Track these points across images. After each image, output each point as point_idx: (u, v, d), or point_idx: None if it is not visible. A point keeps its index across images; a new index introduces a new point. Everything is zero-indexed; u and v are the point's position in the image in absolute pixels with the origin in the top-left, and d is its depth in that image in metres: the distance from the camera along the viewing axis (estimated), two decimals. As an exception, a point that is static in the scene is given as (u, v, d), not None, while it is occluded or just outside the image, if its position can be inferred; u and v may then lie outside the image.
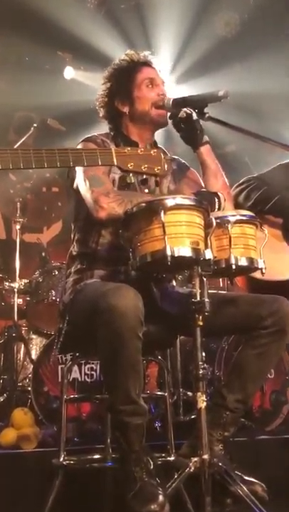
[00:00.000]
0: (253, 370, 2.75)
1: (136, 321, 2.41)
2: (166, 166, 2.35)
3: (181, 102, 2.90)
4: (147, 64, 3.08)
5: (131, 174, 2.38)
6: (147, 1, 6.12)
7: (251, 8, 6.04)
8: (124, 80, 3.02)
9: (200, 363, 2.48)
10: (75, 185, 2.91)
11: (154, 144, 3.08)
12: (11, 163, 2.15)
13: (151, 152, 2.33)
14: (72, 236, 3.01)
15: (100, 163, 2.26)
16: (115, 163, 2.27)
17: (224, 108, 3.07)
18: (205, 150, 2.97)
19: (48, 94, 6.12)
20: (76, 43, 6.25)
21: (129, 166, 2.28)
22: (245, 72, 5.64)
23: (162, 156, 2.34)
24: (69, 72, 6.65)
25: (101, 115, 3.09)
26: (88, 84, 6.35)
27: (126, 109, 3.02)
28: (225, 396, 2.76)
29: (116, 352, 2.41)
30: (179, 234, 2.42)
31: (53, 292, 4.73)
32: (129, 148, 2.30)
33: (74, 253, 2.96)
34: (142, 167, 2.30)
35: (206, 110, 2.76)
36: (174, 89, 3.14)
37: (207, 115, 2.74)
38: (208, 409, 2.48)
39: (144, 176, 2.43)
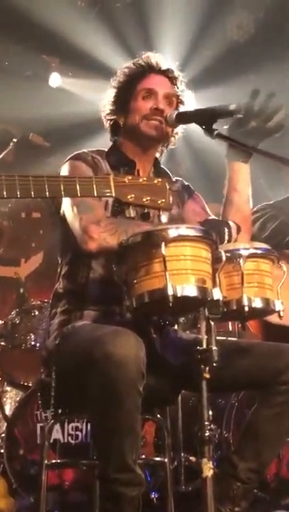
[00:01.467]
0: (269, 434, 2.75)
1: (137, 372, 2.40)
2: (171, 198, 2.37)
3: (186, 117, 2.93)
4: (157, 70, 3.09)
5: (131, 207, 2.38)
6: (145, 0, 6.22)
7: (268, 7, 6.13)
8: (126, 88, 3.07)
9: (206, 423, 2.46)
10: (61, 212, 2.93)
11: (156, 165, 3.12)
12: None
13: (155, 182, 2.35)
14: (58, 271, 3.02)
15: (95, 195, 2.27)
16: (113, 195, 2.29)
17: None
18: (246, 168, 3.00)
19: (31, 105, 6.18)
20: (64, 46, 6.34)
21: (129, 197, 2.30)
22: (260, 81, 5.71)
23: (167, 187, 2.36)
24: (55, 80, 6.73)
25: (105, 126, 3.14)
26: (77, 93, 6.42)
27: (122, 121, 3.08)
28: (236, 464, 2.75)
29: (111, 409, 2.40)
30: (183, 270, 2.43)
31: (32, 336, 4.72)
32: (130, 177, 2.32)
33: (60, 290, 2.97)
34: (144, 199, 2.32)
35: (214, 126, 2.79)
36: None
37: (216, 132, 2.77)
38: (216, 479, 2.46)
39: (146, 210, 2.41)
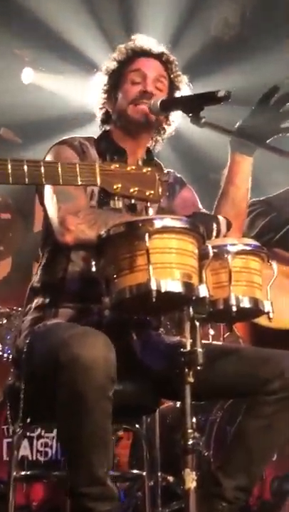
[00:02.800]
0: (256, 448, 2.71)
1: (105, 377, 2.37)
2: (160, 190, 2.32)
3: (171, 104, 2.91)
4: (148, 53, 3.07)
5: (117, 198, 2.35)
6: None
7: (254, 3, 6.18)
8: (115, 73, 3.06)
9: (189, 430, 2.41)
10: (44, 202, 2.90)
11: (148, 155, 3.09)
12: None
13: (144, 171, 2.31)
14: (38, 264, 2.98)
15: (79, 183, 2.22)
16: (98, 184, 2.23)
17: (225, 113, 3.09)
18: (249, 162, 2.98)
19: (1, 100, 6.14)
20: (38, 40, 6.32)
21: (115, 187, 2.25)
22: (244, 76, 5.74)
23: (157, 177, 2.32)
24: (28, 75, 6.70)
25: (99, 117, 3.13)
26: (51, 89, 6.40)
27: (111, 109, 3.07)
28: (220, 482, 2.70)
29: (79, 417, 2.36)
30: (167, 263, 2.39)
31: (0, 346, 4.66)
32: (117, 165, 2.27)
33: (36, 284, 2.93)
34: (131, 190, 2.27)
35: (202, 114, 2.77)
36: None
37: (203, 120, 2.75)
38: (199, 499, 2.41)
39: (133, 201, 2.37)
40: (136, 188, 2.28)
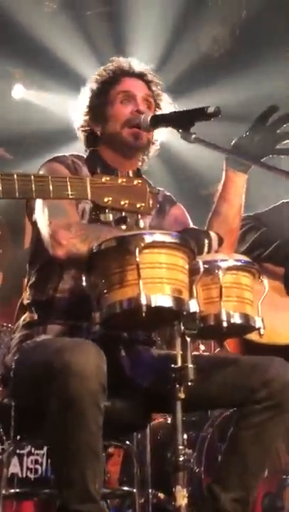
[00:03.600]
0: (250, 458, 2.69)
1: (97, 384, 2.36)
2: (151, 202, 2.32)
3: (161, 120, 2.91)
4: (131, 73, 3.09)
5: (108, 211, 2.31)
6: (119, 9, 6.26)
7: (243, 20, 6.23)
8: (99, 94, 3.05)
9: (180, 447, 2.41)
10: (33, 217, 2.90)
11: (137, 173, 3.08)
12: None
13: (135, 183, 2.31)
14: (26, 281, 2.97)
15: (69, 196, 2.21)
16: (89, 197, 2.23)
17: (214, 131, 3.10)
18: (243, 178, 2.98)
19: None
20: (28, 55, 6.33)
21: (106, 200, 2.24)
22: (234, 93, 5.78)
23: (147, 190, 2.32)
24: (18, 91, 6.72)
25: (78, 136, 3.11)
26: (41, 105, 6.41)
27: (99, 131, 3.04)
28: (218, 495, 2.67)
29: (71, 426, 2.35)
30: (157, 278, 2.39)
31: (-12, 362, 4.63)
32: (108, 178, 2.26)
33: (26, 301, 2.92)
34: (122, 202, 2.26)
35: (192, 130, 2.77)
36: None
37: (194, 136, 2.75)
38: None
39: (123, 213, 2.35)
40: (127, 201, 2.28)
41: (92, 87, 3.08)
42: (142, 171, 3.13)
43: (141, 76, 3.10)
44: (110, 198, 2.25)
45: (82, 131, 3.09)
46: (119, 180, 2.28)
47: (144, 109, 3.00)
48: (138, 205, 2.29)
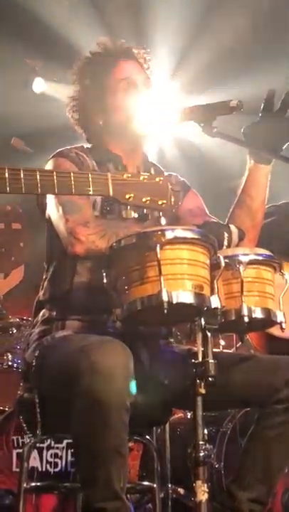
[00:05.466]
0: (269, 459, 2.69)
1: (125, 384, 2.36)
2: (172, 199, 2.31)
3: (183, 115, 2.89)
4: (126, 55, 3.02)
5: (129, 207, 2.30)
6: (140, 1, 6.24)
7: (265, 13, 6.19)
8: (96, 82, 2.99)
9: (201, 442, 2.41)
10: (46, 214, 2.89)
11: (145, 159, 3.08)
12: None
13: (157, 180, 2.30)
14: (43, 277, 2.97)
15: (91, 192, 2.22)
16: (111, 194, 2.23)
17: (235, 125, 3.09)
18: (266, 171, 2.96)
19: (12, 110, 6.15)
20: (48, 49, 6.33)
21: (127, 197, 2.25)
22: (256, 86, 5.74)
23: (169, 187, 2.31)
24: (39, 85, 6.72)
25: (72, 122, 3.07)
26: (62, 99, 6.40)
27: (100, 120, 2.99)
28: (235, 495, 2.68)
29: (97, 426, 2.34)
30: (179, 275, 2.39)
31: (10, 356, 4.69)
32: (129, 175, 2.26)
33: (43, 298, 2.92)
34: (144, 199, 2.27)
35: (214, 124, 2.77)
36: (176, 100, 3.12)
37: (215, 130, 2.75)
38: (211, 510, 2.40)
39: (145, 210, 2.35)
40: (148, 198, 2.28)
41: (85, 74, 3.02)
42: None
43: (134, 56, 3.04)
44: (132, 195, 2.25)
45: (79, 120, 3.04)
46: (141, 177, 2.28)
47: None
48: (160, 202, 2.30)
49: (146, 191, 2.28)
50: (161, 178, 2.32)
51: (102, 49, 3.04)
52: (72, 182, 2.20)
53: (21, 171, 2.15)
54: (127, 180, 2.26)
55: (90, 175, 2.23)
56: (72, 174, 2.22)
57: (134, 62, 3.04)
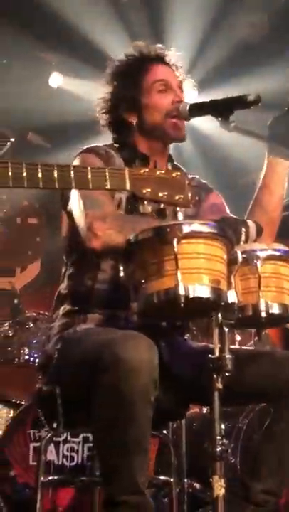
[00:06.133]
0: (284, 451, 2.70)
1: (150, 379, 2.36)
2: (189, 194, 2.31)
3: (200, 108, 2.90)
4: (160, 60, 3.08)
5: (146, 202, 2.31)
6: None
7: (281, 5, 6.17)
8: (130, 82, 3.02)
9: (218, 437, 2.41)
10: (68, 208, 2.91)
11: (170, 161, 3.09)
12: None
13: (173, 175, 2.31)
14: (63, 271, 2.98)
15: (108, 187, 2.23)
16: (128, 188, 2.24)
17: (252, 119, 3.08)
18: (285, 167, 2.96)
19: (29, 104, 6.17)
20: (65, 43, 6.34)
21: (144, 192, 2.25)
22: (272, 81, 5.72)
23: (186, 182, 2.32)
24: (55, 79, 6.73)
25: (102, 123, 3.10)
26: (78, 93, 6.42)
27: (133, 120, 3.02)
28: (249, 485, 2.70)
29: (120, 421, 2.35)
30: (195, 269, 2.39)
31: (26, 350, 4.70)
32: (146, 169, 2.28)
33: (64, 292, 2.93)
34: (161, 194, 2.27)
35: (231, 118, 2.76)
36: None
37: (233, 124, 2.74)
38: (227, 503, 2.39)
39: (162, 205, 2.35)
40: (165, 193, 2.28)
41: (118, 74, 3.05)
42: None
43: (167, 62, 3.08)
44: (149, 190, 2.26)
45: (110, 118, 3.06)
46: (158, 172, 2.29)
47: (182, 98, 2.99)
48: (177, 197, 2.29)
49: (163, 186, 2.28)
50: (178, 174, 2.32)
51: (138, 52, 3.08)
52: (90, 177, 2.20)
53: (39, 166, 2.15)
54: (144, 175, 2.26)
55: (107, 170, 2.24)
56: (89, 169, 2.22)
57: (167, 67, 3.08)
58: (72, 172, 2.18)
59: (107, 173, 2.22)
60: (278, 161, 2.96)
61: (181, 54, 3.16)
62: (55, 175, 2.17)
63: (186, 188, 2.31)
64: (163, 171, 2.31)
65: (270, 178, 2.98)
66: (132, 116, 3.02)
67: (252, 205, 2.98)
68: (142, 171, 2.27)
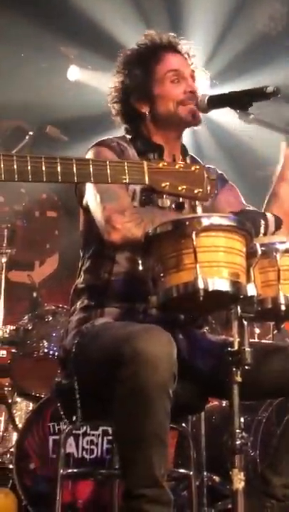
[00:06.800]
0: None
1: (169, 373, 2.36)
2: (208, 188, 2.31)
3: (219, 100, 2.89)
4: (172, 49, 3.04)
5: (165, 196, 2.30)
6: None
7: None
8: (142, 72, 3.00)
9: (237, 430, 2.40)
10: (84, 202, 2.91)
11: (184, 151, 3.07)
12: (16, 174, 2.12)
13: (192, 169, 2.30)
14: (79, 265, 2.98)
15: (127, 181, 2.23)
16: (147, 183, 2.24)
17: (270, 110, 3.06)
18: None
19: (47, 98, 6.19)
20: (83, 36, 6.34)
21: (163, 186, 2.25)
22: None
23: (205, 176, 2.31)
24: (73, 73, 6.74)
25: (114, 113, 3.08)
26: (96, 86, 6.42)
27: (145, 110, 3.00)
28: (269, 479, 2.70)
29: (140, 414, 2.35)
30: (214, 262, 2.38)
31: (45, 343, 4.70)
32: (165, 163, 2.27)
33: (81, 286, 2.94)
34: (180, 188, 2.27)
35: (250, 110, 2.75)
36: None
37: (252, 116, 2.73)
38: (246, 497, 2.39)
39: (181, 199, 2.35)
40: (184, 186, 2.28)
41: (130, 64, 3.02)
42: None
43: (180, 51, 3.06)
44: (168, 183, 2.25)
45: (122, 107, 3.05)
46: (177, 166, 2.28)
47: (195, 87, 2.98)
48: (196, 191, 2.29)
49: (182, 180, 2.28)
50: (197, 167, 2.31)
51: (150, 41, 3.05)
52: (108, 171, 2.20)
53: (58, 160, 2.16)
54: (163, 169, 2.26)
55: (125, 163, 2.23)
56: (108, 163, 2.22)
57: (181, 56, 3.05)
58: (91, 166, 2.18)
59: (126, 167, 2.22)
60: None
61: (200, 46, 3.13)
62: (74, 169, 2.17)
63: (206, 181, 2.30)
64: (182, 165, 2.30)
65: (288, 170, 2.95)
66: (144, 106, 3.00)
67: (269, 198, 2.96)
68: (161, 165, 2.26)
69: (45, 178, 2.16)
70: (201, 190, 2.30)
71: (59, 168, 2.15)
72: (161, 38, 3.06)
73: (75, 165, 2.17)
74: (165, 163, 2.27)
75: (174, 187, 2.26)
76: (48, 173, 2.16)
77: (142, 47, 3.05)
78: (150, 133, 3.02)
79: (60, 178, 2.16)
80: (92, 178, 2.20)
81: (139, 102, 3.01)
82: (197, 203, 2.37)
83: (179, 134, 3.05)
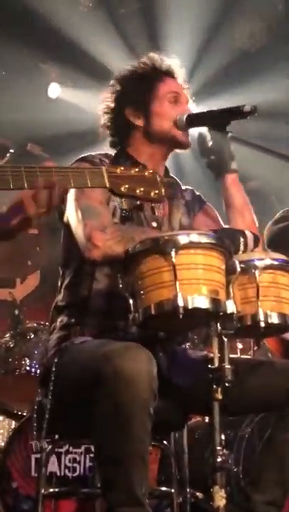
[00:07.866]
0: (287, 461, 2.70)
1: (149, 391, 2.36)
2: (163, 190, 2.37)
3: (197, 119, 2.92)
4: (172, 75, 3.10)
5: (124, 199, 2.45)
6: (153, 5, 6.25)
7: (280, 15, 6.19)
8: (142, 87, 3.04)
9: (218, 448, 2.41)
10: (65, 219, 2.91)
11: (166, 172, 3.11)
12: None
13: (146, 173, 2.38)
14: (59, 282, 2.98)
15: (89, 185, 2.32)
16: (107, 186, 2.32)
17: (250, 128, 3.10)
18: (231, 179, 2.99)
19: (28, 115, 6.20)
20: (63, 54, 6.36)
21: (122, 189, 2.33)
22: (268, 91, 5.73)
23: (158, 179, 2.38)
24: (54, 90, 6.76)
25: (102, 123, 3.10)
26: (77, 104, 6.44)
27: (140, 123, 3.02)
28: (250, 497, 2.70)
29: (119, 433, 2.35)
30: (194, 279, 2.40)
31: (27, 361, 4.68)
32: (122, 168, 2.36)
33: (61, 303, 2.93)
34: (137, 190, 2.35)
35: (228, 129, 2.78)
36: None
37: (230, 135, 2.76)
38: None
39: (138, 202, 2.47)
40: (142, 189, 2.36)
41: (131, 78, 3.07)
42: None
43: (177, 78, 3.11)
44: (126, 186, 2.34)
45: (107, 113, 3.07)
46: (133, 171, 2.37)
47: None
48: (152, 193, 2.37)
49: (139, 183, 2.36)
50: (150, 172, 2.40)
51: (151, 63, 3.10)
52: (71, 177, 2.29)
53: (22, 169, 2.24)
54: (121, 173, 2.34)
55: (86, 170, 2.34)
56: (70, 170, 2.32)
57: (177, 83, 3.11)
58: (53, 174, 2.26)
59: (87, 173, 2.31)
60: (231, 175, 3.00)
61: (180, 63, 3.18)
62: (38, 176, 2.24)
63: (160, 184, 2.38)
64: (137, 170, 2.39)
65: (230, 194, 3.01)
66: (139, 119, 3.03)
67: (229, 217, 3.00)
68: (118, 170, 2.35)
69: (13, 186, 2.23)
70: (157, 192, 2.37)
71: (24, 175, 2.23)
72: (163, 62, 3.11)
73: (38, 173, 2.24)
74: (122, 168, 2.36)
75: (133, 189, 2.35)
76: (15, 180, 2.23)
77: (144, 65, 3.09)
78: (137, 147, 3.04)
79: (25, 184, 2.24)
80: (56, 185, 2.28)
81: (134, 114, 3.03)
82: (153, 204, 2.59)
83: (165, 154, 3.08)
